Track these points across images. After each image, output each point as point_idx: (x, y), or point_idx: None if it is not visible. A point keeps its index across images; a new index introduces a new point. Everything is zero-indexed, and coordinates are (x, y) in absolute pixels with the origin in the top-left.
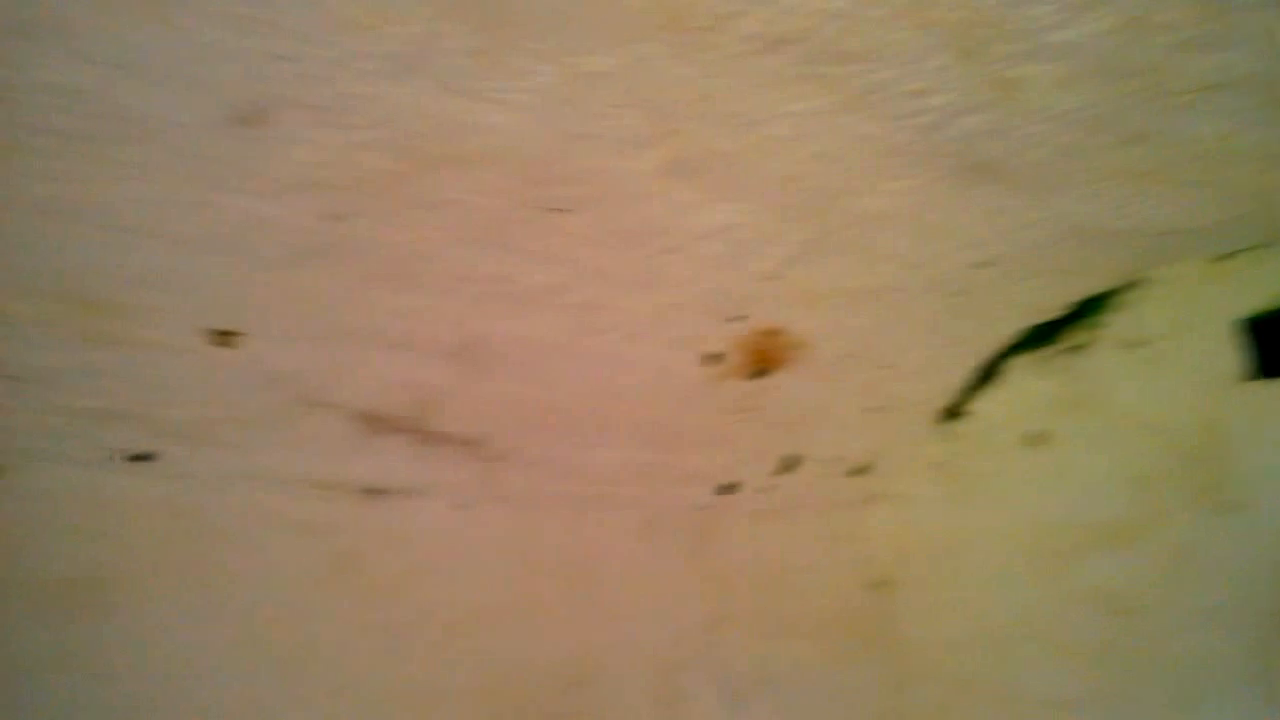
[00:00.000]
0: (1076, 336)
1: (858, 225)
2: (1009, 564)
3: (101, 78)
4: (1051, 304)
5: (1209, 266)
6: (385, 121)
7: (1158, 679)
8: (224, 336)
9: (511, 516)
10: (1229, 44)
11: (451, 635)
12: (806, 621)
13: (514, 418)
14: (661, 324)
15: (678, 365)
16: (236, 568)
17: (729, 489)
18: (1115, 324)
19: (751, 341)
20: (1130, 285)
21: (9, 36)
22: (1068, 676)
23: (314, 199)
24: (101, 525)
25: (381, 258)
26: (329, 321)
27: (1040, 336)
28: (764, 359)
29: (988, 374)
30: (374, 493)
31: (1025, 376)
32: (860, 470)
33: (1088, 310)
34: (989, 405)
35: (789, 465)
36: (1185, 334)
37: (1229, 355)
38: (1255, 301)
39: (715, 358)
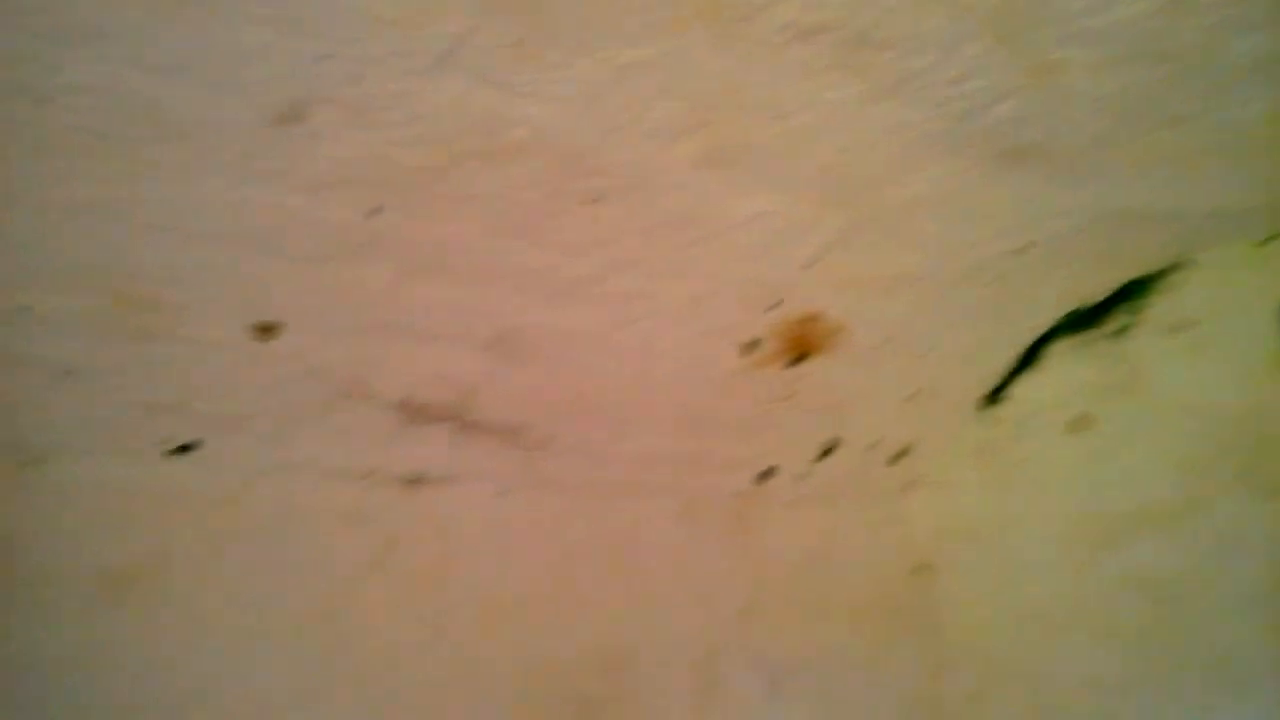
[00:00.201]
0: (1118, 321)
1: (894, 212)
2: (1049, 549)
3: (141, 80)
4: (1093, 288)
5: (1253, 250)
6: (422, 117)
7: (1198, 663)
8: (265, 330)
9: (550, 504)
10: (1271, 23)
11: (492, 621)
12: (845, 607)
13: (552, 407)
14: (698, 312)
15: (715, 353)
16: (280, 557)
17: (767, 475)
18: (1157, 308)
19: (789, 328)
20: (1173, 269)
21: (49, 41)
22: (1108, 661)
23: (352, 195)
24: (146, 516)
25: (419, 251)
26: (368, 314)
27: (1082, 321)
28: (801, 346)
29: (1028, 359)
30: (414, 482)
31: (1066, 361)
32: (899, 456)
33: (1130, 294)
34: (1030, 390)
35: (827, 451)
36: (1228, 318)
37: (1273, 339)
38: None
39: (752, 345)
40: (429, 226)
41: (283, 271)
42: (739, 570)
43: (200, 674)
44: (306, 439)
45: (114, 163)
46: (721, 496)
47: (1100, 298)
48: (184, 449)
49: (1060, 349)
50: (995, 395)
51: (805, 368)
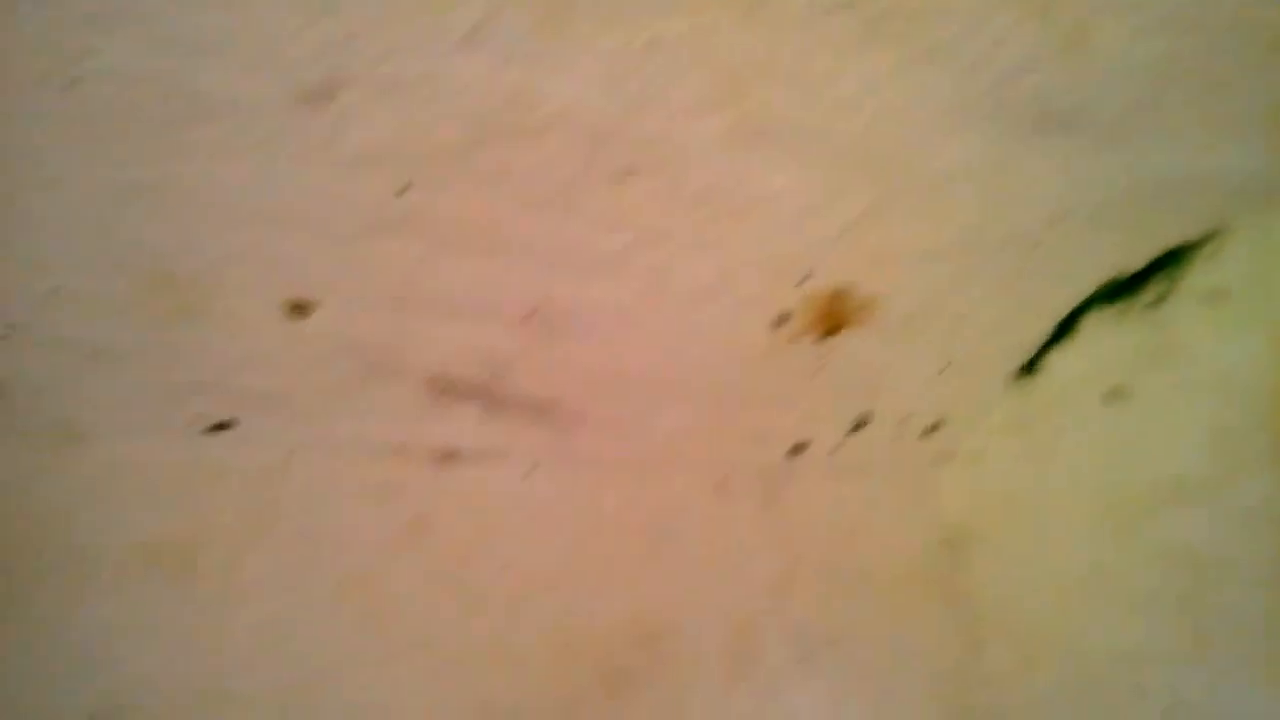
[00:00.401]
0: (1155, 290)
1: (927, 183)
2: (1085, 520)
3: (171, 61)
4: (1129, 257)
5: None
6: (450, 94)
7: (1235, 634)
8: (298, 308)
9: (582, 479)
10: None
11: (525, 595)
12: (879, 580)
13: (583, 381)
14: (729, 286)
15: (746, 327)
16: (315, 532)
17: (799, 449)
18: (1194, 277)
19: (820, 302)
20: (1209, 237)
21: (80, 25)
22: (1144, 632)
23: (382, 172)
24: (184, 493)
25: (449, 228)
26: (400, 291)
27: (1118, 290)
28: (833, 319)
29: (1064, 329)
30: (447, 457)
31: (1102, 331)
32: (933, 429)
33: (1166, 263)
34: (1065, 361)
35: (860, 425)
36: (1266, 286)
37: None
38: None
39: (783, 319)
40: (459, 203)
41: (315, 250)
42: (772, 544)
43: (238, 646)
44: (341, 415)
45: (146, 145)
46: (753, 471)
47: (1136, 267)
48: (220, 427)
49: (1095, 319)
50: (1030, 367)
51: (837, 341)
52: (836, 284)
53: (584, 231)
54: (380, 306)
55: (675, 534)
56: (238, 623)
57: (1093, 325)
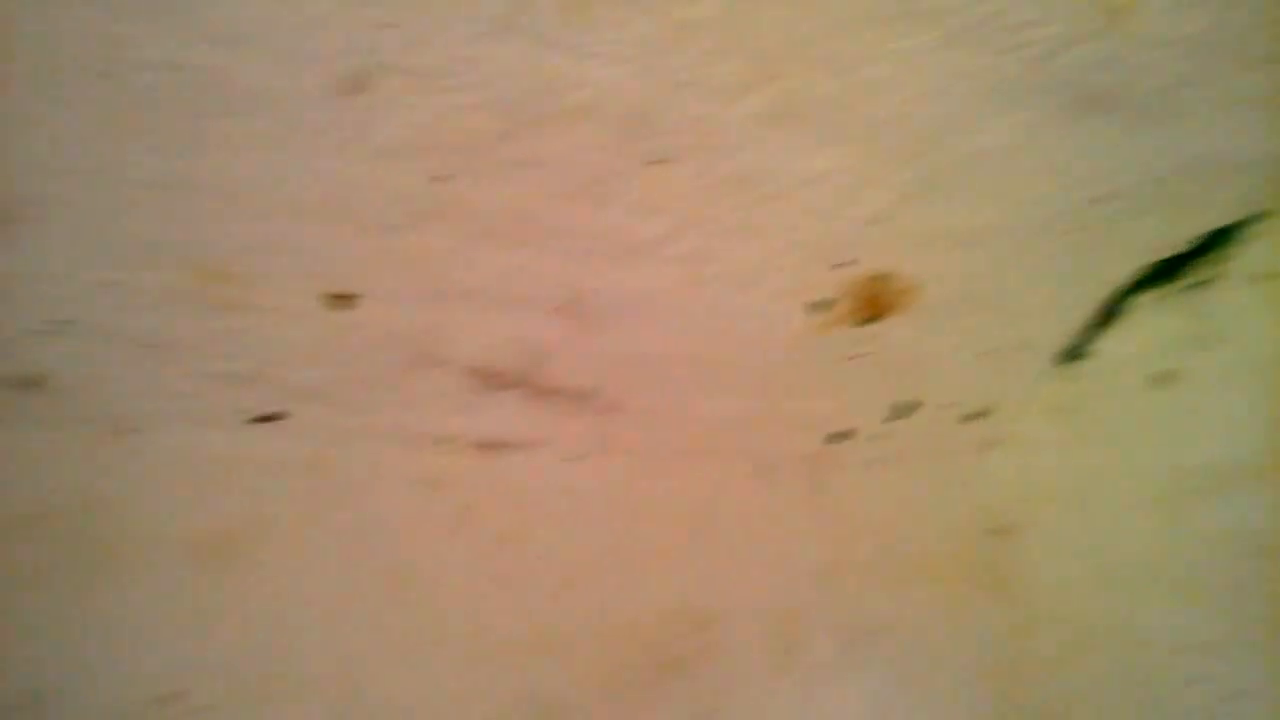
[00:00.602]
0: (1202, 271)
1: (967, 164)
2: (1134, 507)
3: (209, 54)
4: (1175, 238)
5: None
6: (486, 82)
7: None
8: (341, 299)
9: (624, 467)
10: None
11: (569, 583)
12: (924, 569)
13: (623, 370)
14: (768, 272)
15: (786, 313)
16: (362, 521)
17: (841, 437)
18: (1243, 257)
19: (860, 287)
20: (1257, 217)
21: (119, 19)
22: (1196, 621)
23: (418, 162)
24: (233, 482)
25: (486, 216)
26: (439, 281)
27: (1164, 272)
28: (874, 304)
29: (1110, 313)
30: (489, 447)
31: (1149, 314)
32: (977, 415)
33: (1214, 244)
34: (1112, 345)
35: (903, 411)
36: None
37: None
38: None
39: (823, 304)
40: (494, 192)
41: (355, 241)
42: (815, 532)
43: (288, 633)
44: (383, 407)
45: (187, 137)
46: (795, 458)
47: (1182, 248)
48: (267, 418)
49: (1142, 302)
50: (1075, 351)
51: (878, 326)
52: (877, 268)
53: (620, 219)
54: (421, 297)
55: (717, 522)
56: (289, 611)
57: (1139, 308)
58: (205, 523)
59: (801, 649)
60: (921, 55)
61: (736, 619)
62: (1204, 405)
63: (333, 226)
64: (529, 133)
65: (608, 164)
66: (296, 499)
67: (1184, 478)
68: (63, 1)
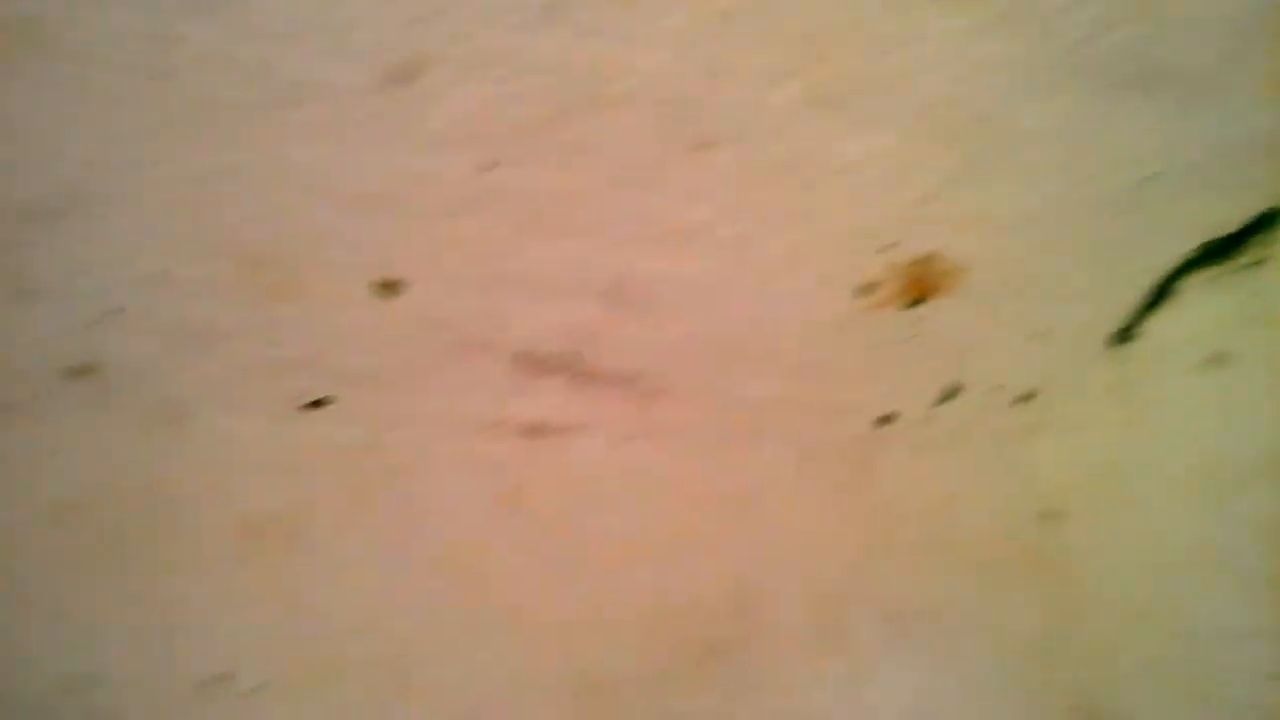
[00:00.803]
0: (1255, 251)
1: (1013, 145)
2: (1184, 492)
3: (257, 47)
4: (1227, 218)
5: None
6: (532, 71)
7: None
8: (389, 287)
9: (669, 451)
10: None
11: (614, 567)
12: (970, 553)
13: (668, 354)
14: (812, 256)
15: (831, 296)
16: (411, 505)
17: (887, 420)
18: None
19: (905, 270)
20: None
21: (169, 15)
22: (1245, 607)
23: (465, 151)
24: (284, 468)
25: (532, 204)
26: (486, 268)
27: (1216, 252)
28: (919, 287)
29: (1160, 294)
30: (536, 431)
31: (1201, 295)
32: (1025, 398)
33: (1266, 223)
34: (1162, 326)
35: (949, 395)
36: None
37: None
38: None
39: (868, 288)
40: (541, 178)
41: (402, 229)
42: (860, 516)
43: (336, 616)
44: (431, 392)
45: (237, 130)
46: (841, 442)
47: (1233, 228)
48: (317, 404)
49: (1193, 283)
50: (1125, 333)
51: (923, 309)
52: (922, 251)
53: (664, 204)
54: (468, 284)
55: (762, 506)
56: (339, 594)
57: (1190, 289)
58: (255, 507)
59: (846, 632)
60: (964, 37)
61: (782, 602)
62: (1256, 388)
63: (381, 215)
64: (574, 120)
65: (652, 150)
66: (345, 484)
67: (1235, 463)
68: (116, 1)
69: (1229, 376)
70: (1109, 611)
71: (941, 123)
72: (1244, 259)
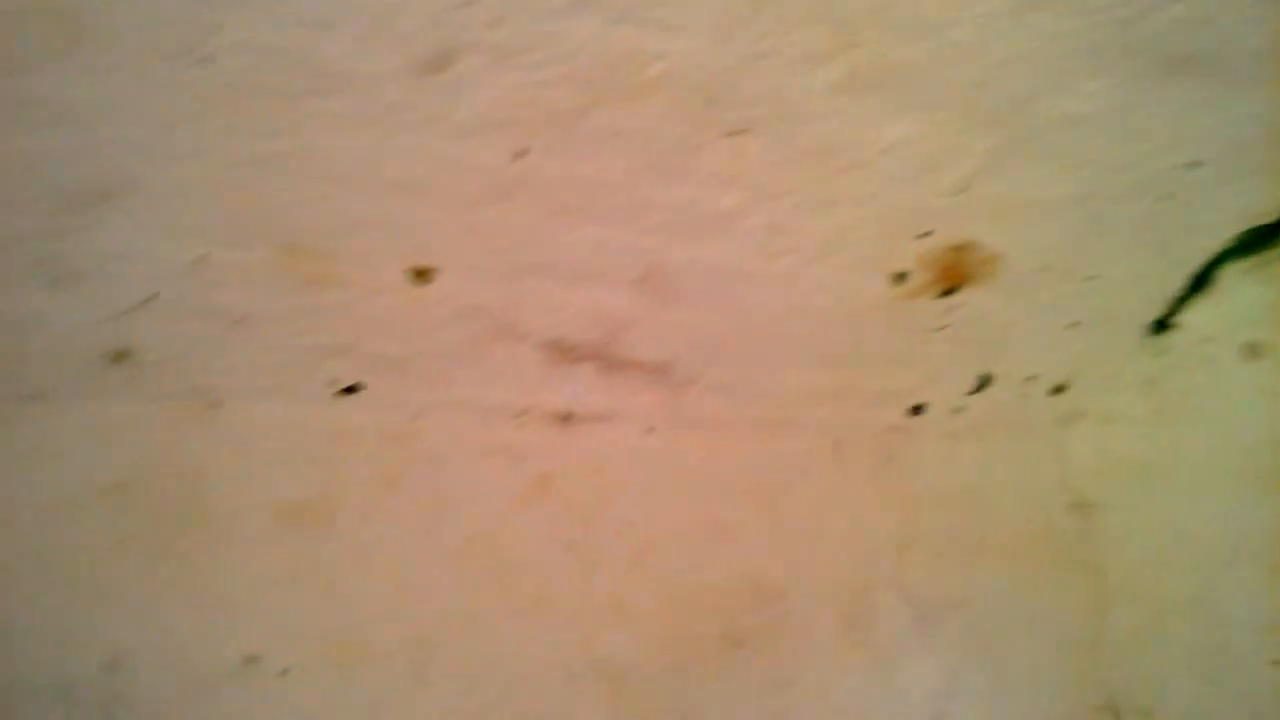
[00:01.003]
0: None
1: (1052, 130)
2: (1220, 484)
3: (295, 35)
4: (1268, 205)
5: None
6: (563, 57)
7: None
8: (422, 274)
9: (699, 440)
10: None
11: (643, 554)
12: (1001, 544)
13: (699, 343)
14: (845, 243)
15: (863, 285)
16: (442, 491)
17: (919, 410)
18: None
19: (940, 258)
20: None
21: (208, 3)
22: (1277, 600)
23: (498, 138)
24: (315, 453)
25: (565, 191)
26: (519, 255)
27: (1257, 240)
28: (953, 275)
29: (1200, 283)
30: (565, 419)
31: (1241, 284)
32: (1059, 389)
33: None
34: (1201, 316)
35: (983, 384)
36: None
37: None
38: None
39: (902, 276)
40: (574, 165)
41: (436, 217)
42: (890, 506)
43: (364, 600)
44: (462, 379)
45: (274, 118)
46: (872, 432)
47: (1275, 216)
48: (349, 390)
49: (1233, 271)
50: (1163, 323)
51: (958, 298)
52: (958, 238)
53: (697, 191)
54: (499, 272)
55: (791, 496)
56: (368, 578)
57: (1230, 278)
58: (288, 492)
59: (873, 623)
60: (1005, 19)
61: (808, 592)
62: None
63: (416, 202)
64: (608, 106)
65: (685, 136)
66: (377, 469)
67: (1270, 453)
68: None
69: (1265, 368)
70: (1140, 603)
71: (979, 107)
72: None
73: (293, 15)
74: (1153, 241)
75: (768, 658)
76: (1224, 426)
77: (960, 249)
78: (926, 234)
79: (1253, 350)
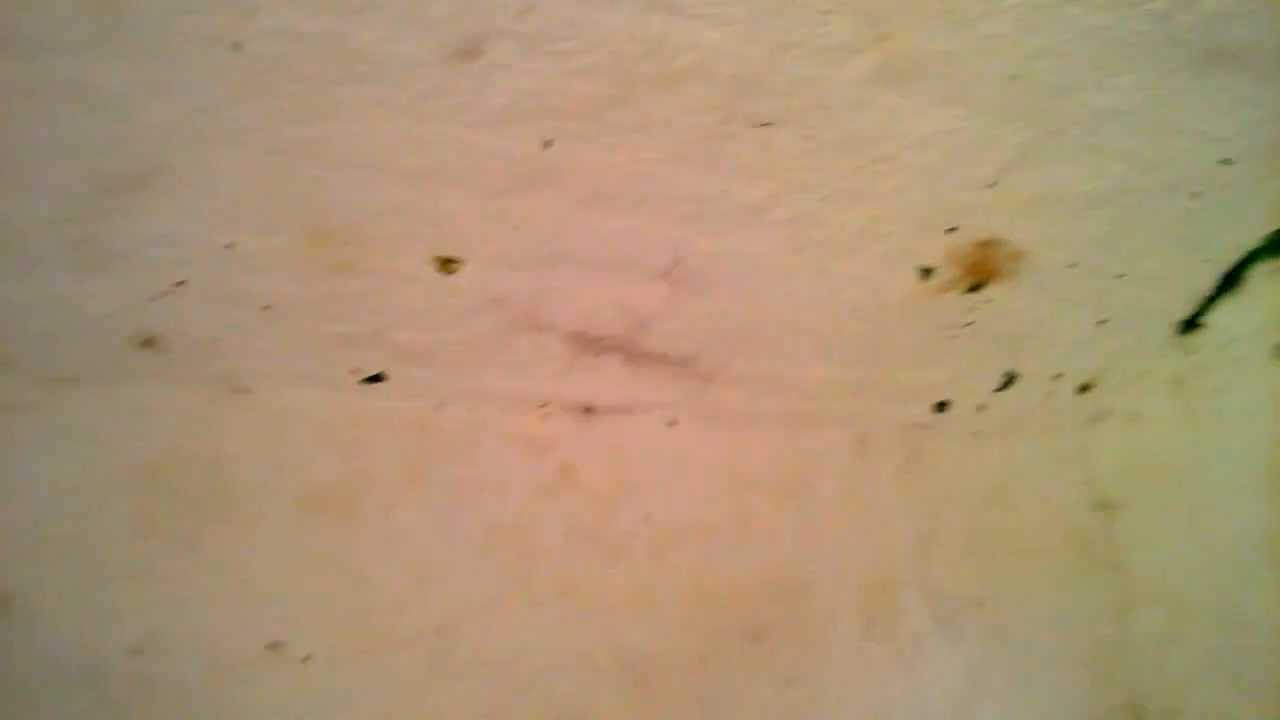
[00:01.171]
0: None
1: (1085, 124)
2: (1247, 485)
3: (328, 22)
4: None
5: None
6: (596, 46)
7: None
8: (448, 263)
9: (722, 433)
10: None
11: (664, 547)
12: (1025, 544)
13: (723, 335)
14: (873, 237)
15: (890, 279)
16: (463, 481)
17: (945, 406)
18: None
19: (969, 253)
20: None
21: None
22: None
23: (527, 127)
24: (340, 441)
25: (593, 181)
26: (546, 245)
27: None
28: (982, 271)
29: (1229, 282)
30: (589, 410)
31: (1272, 284)
32: (1086, 387)
33: None
34: (1231, 316)
35: (1009, 382)
36: None
37: None
38: None
39: (930, 271)
40: (604, 156)
41: (463, 205)
42: (914, 503)
43: (387, 588)
44: (487, 369)
45: (306, 104)
46: (897, 428)
47: None
48: (375, 378)
49: (1265, 270)
50: (1192, 322)
51: (986, 294)
52: (987, 233)
53: (725, 182)
54: (526, 262)
55: (815, 491)
56: (391, 567)
57: (1261, 277)
58: (313, 479)
59: (895, 620)
60: (1040, 10)
61: (830, 587)
62: None
63: (445, 191)
64: (638, 96)
65: (715, 127)
66: (401, 458)
67: None
68: None
69: None
70: (1166, 605)
71: (1012, 101)
72: None
73: (325, 2)
74: (1182, 239)
75: (788, 652)
76: (1252, 428)
77: (988, 244)
78: (957, 228)
79: (1279, 352)
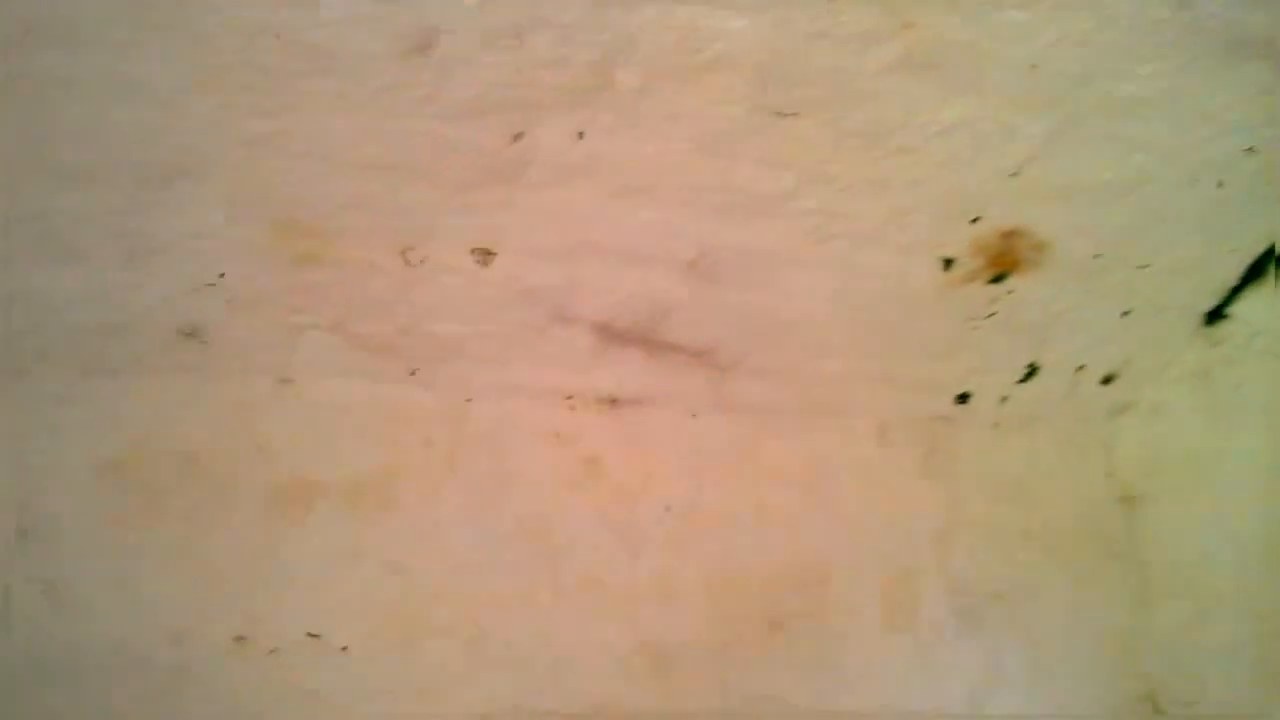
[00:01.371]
0: None
1: (1108, 114)
2: (1270, 479)
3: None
4: None
5: None
6: (626, 37)
7: None
8: (484, 255)
9: (744, 424)
10: None
11: (687, 536)
12: (1046, 535)
13: (744, 327)
14: (895, 228)
15: (914, 270)
16: (494, 472)
17: (967, 398)
18: None
19: (992, 244)
20: None
21: None
22: None
23: (565, 117)
24: (376, 432)
25: (625, 173)
26: (575, 238)
27: None
28: (1005, 262)
29: (1254, 273)
30: (614, 402)
31: None
32: (1109, 379)
33: None
34: (1254, 307)
35: (1031, 373)
36: None
37: None
38: None
39: (954, 261)
40: (633, 146)
41: (499, 199)
42: (935, 494)
43: (421, 578)
44: (515, 363)
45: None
46: (919, 419)
47: None
48: (410, 372)
49: None
50: (1216, 313)
51: (1008, 285)
52: (1011, 223)
53: (749, 173)
54: (555, 254)
55: (836, 482)
56: (423, 558)
57: None
58: (348, 469)
59: (916, 611)
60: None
61: (851, 578)
62: None
63: (484, 189)
64: (664, 87)
65: (740, 117)
66: (433, 450)
67: None
68: None
69: None
70: (1187, 598)
71: (1036, 89)
72: None
73: None
74: (1207, 229)
75: (810, 641)
76: (1274, 420)
77: (1011, 235)
78: (977, 219)
79: None
